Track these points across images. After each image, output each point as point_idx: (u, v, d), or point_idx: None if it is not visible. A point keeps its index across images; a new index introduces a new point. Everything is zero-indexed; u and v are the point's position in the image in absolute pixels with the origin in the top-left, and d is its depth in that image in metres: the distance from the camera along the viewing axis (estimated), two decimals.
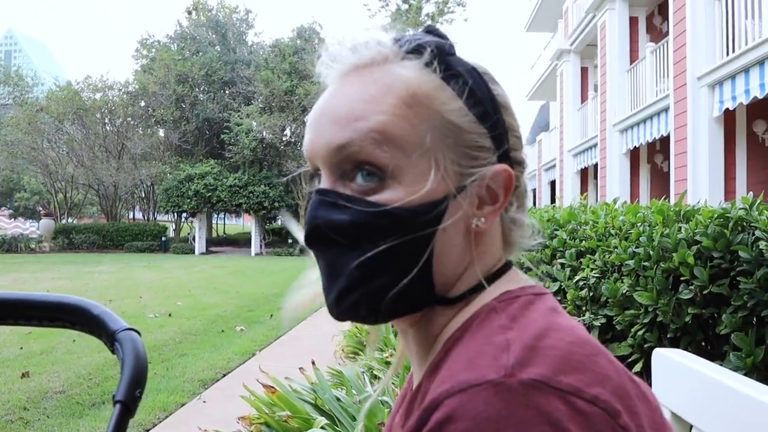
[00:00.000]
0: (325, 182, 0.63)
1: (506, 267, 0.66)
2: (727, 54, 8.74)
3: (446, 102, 0.61)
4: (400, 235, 0.58)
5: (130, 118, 32.15)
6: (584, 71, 17.60)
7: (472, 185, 0.61)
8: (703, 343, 2.31)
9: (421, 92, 0.61)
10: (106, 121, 31.90)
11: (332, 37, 0.69)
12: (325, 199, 0.61)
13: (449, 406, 0.49)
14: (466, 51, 0.67)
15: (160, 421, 4.11)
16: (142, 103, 32.24)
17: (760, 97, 7.94)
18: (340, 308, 0.61)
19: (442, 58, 0.63)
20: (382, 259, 0.58)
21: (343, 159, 0.61)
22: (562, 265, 3.20)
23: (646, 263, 2.42)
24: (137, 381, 0.76)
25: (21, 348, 6.31)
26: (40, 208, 37.99)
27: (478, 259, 0.63)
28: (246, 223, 51.21)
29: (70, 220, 33.06)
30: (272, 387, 2.92)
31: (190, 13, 36.48)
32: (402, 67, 0.62)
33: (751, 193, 2.27)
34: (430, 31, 0.67)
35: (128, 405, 0.73)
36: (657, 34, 13.71)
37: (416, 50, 0.63)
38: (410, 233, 0.58)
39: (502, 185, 0.63)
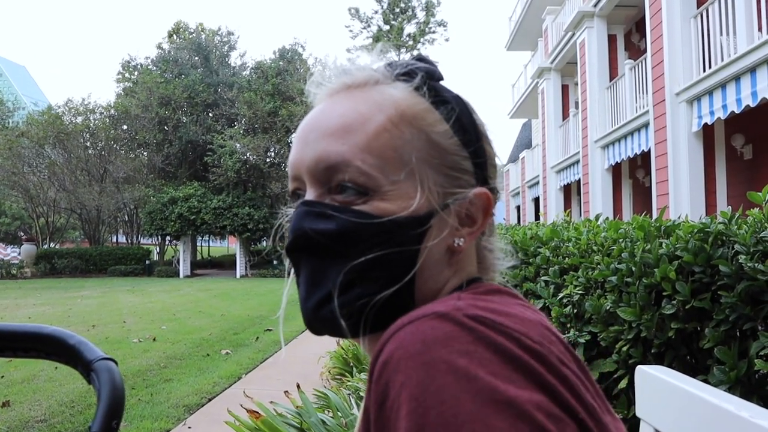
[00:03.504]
0: (310, 195, 0.63)
1: (475, 281, 0.67)
2: (704, 70, 8.90)
3: (433, 124, 0.63)
4: (386, 246, 0.59)
5: (112, 142, 31.93)
6: (565, 89, 17.81)
7: (454, 204, 0.63)
8: (687, 358, 2.32)
9: (410, 112, 0.63)
10: (88, 144, 31.67)
11: (324, 59, 0.71)
12: (312, 210, 0.62)
13: (398, 336, 0.50)
14: (448, 71, 0.70)
15: None
16: (125, 126, 32.05)
17: (737, 111, 8.08)
18: (319, 315, 0.61)
19: (432, 84, 0.66)
20: (368, 269, 0.59)
21: (330, 173, 0.61)
22: (546, 282, 3.20)
23: (629, 279, 2.43)
24: (114, 412, 0.74)
25: (2, 376, 6.20)
26: (22, 233, 37.56)
27: (455, 277, 0.65)
28: (231, 245, 50.92)
29: (52, 244, 32.65)
30: (256, 412, 2.88)
31: (171, 36, 36.50)
32: (393, 88, 0.65)
33: (729, 206, 2.29)
34: (421, 59, 0.69)
35: None
36: (635, 51, 13.92)
37: (407, 74, 0.66)
38: (395, 245, 0.59)
39: (481, 208, 0.65)
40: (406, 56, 0.70)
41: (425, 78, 0.66)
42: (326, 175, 0.62)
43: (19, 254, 31.01)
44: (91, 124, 31.14)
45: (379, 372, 0.49)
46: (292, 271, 0.67)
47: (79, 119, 31.11)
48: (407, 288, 0.60)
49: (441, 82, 0.68)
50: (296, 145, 0.66)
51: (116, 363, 0.81)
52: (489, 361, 0.46)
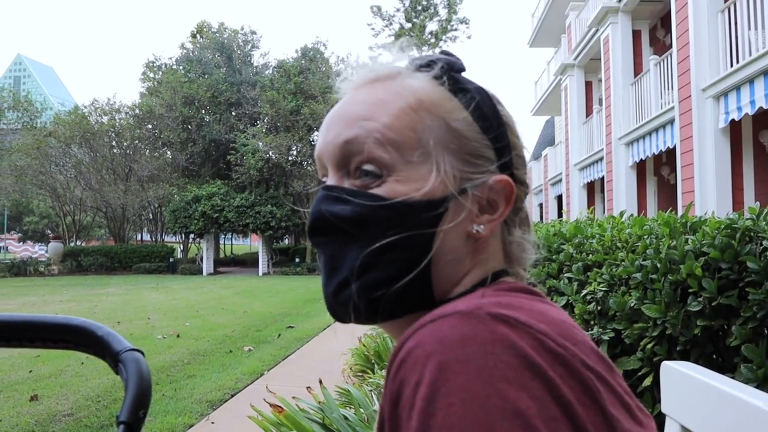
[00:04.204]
0: (331, 180, 0.66)
1: (501, 274, 0.65)
2: (731, 65, 8.75)
3: (451, 111, 0.64)
4: (400, 229, 0.59)
5: (137, 141, 32.36)
6: (588, 85, 17.63)
7: (472, 190, 0.63)
8: (713, 356, 2.29)
9: (428, 99, 0.64)
10: (114, 143, 32.12)
11: (347, 58, 0.73)
12: (330, 194, 0.63)
13: (419, 335, 0.50)
14: (471, 68, 0.70)
15: None
16: (149, 126, 32.46)
17: (765, 107, 7.93)
18: (338, 300, 0.62)
19: (452, 74, 0.67)
20: (383, 252, 0.60)
21: (348, 155, 0.63)
22: (569, 279, 3.18)
23: (654, 276, 2.40)
24: (141, 402, 0.75)
25: (30, 371, 6.31)
26: (49, 232, 38.25)
27: (477, 268, 0.64)
28: (253, 243, 51.24)
29: (78, 242, 33.17)
30: (279, 407, 2.90)
31: (194, 36, 36.80)
32: (413, 78, 0.66)
33: (757, 203, 2.25)
34: (443, 53, 0.71)
35: (132, 426, 0.72)
36: (660, 46, 13.74)
37: (427, 65, 0.67)
38: (410, 229, 0.59)
39: (503, 195, 0.64)
40: (428, 54, 0.71)
41: (445, 68, 0.67)
42: (344, 157, 0.64)
43: (47, 252, 31.53)
44: (117, 124, 31.60)
45: (396, 369, 0.50)
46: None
47: (105, 119, 31.59)
48: (424, 273, 0.60)
49: (462, 74, 0.69)
50: (321, 134, 0.68)
51: (143, 354, 0.82)
52: (505, 365, 0.45)
